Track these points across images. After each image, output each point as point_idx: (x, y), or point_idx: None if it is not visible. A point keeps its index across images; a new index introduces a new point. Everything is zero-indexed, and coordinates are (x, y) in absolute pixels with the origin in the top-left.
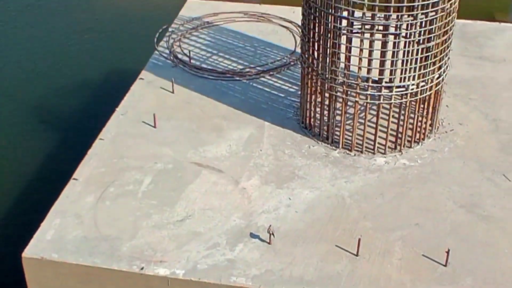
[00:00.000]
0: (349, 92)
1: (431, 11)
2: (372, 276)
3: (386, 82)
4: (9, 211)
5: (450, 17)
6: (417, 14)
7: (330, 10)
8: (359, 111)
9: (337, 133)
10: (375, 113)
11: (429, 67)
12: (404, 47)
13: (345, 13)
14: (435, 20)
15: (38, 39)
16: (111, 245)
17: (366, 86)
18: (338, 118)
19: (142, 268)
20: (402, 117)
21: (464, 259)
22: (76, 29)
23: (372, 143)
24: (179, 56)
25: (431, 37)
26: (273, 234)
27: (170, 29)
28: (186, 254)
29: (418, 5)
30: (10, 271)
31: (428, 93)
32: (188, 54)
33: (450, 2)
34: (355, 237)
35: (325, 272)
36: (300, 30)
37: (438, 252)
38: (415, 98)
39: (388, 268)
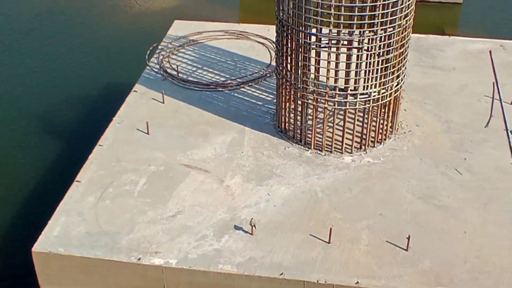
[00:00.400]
0: (319, 100)
1: (389, 27)
2: (343, 261)
3: (351, 90)
4: (19, 211)
5: (406, 32)
6: (377, 30)
7: (300, 28)
8: (328, 116)
9: (309, 135)
10: (342, 117)
11: (389, 76)
12: (367, 59)
13: (313, 30)
14: (393, 35)
15: (42, 57)
16: (111, 239)
17: (334, 94)
18: (309, 122)
19: (139, 259)
20: (366, 121)
21: (423, 244)
22: (75, 47)
23: (340, 144)
24: (168, 70)
25: (389, 50)
26: (254, 226)
27: (159, 47)
28: (178, 245)
29: (378, 22)
30: (22, 264)
31: (388, 99)
32: (176, 69)
33: (406, 19)
34: (327, 227)
35: (301, 259)
36: (274, 46)
37: (400, 238)
38: (377, 103)
39: (357, 253)
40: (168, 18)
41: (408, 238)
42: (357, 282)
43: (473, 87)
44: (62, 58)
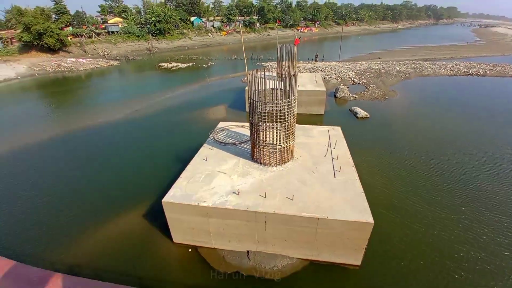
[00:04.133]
0: (264, 147)
1: (286, 122)
2: (271, 204)
3: (276, 144)
4: (158, 186)
5: (293, 124)
6: (283, 124)
7: (257, 123)
8: (268, 153)
9: (263, 160)
10: (274, 154)
11: (289, 139)
12: (280, 133)
13: (261, 124)
14: (288, 125)
15: (139, 144)
16: (190, 197)
17: (269, 145)
18: (262, 155)
19: (198, 204)
20: (281, 155)
21: (301, 197)
22: (166, 131)
23: (273, 162)
24: (216, 138)
25: (288, 129)
26: (239, 192)
27: (212, 131)
28: (212, 198)
29: (281, 119)
30: (160, 212)
31: (289, 146)
32: (217, 138)
33: (292, 119)
34: (265, 192)
35: (255, 203)
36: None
37: (290, 195)
38: (285, 148)
39: (276, 201)
40: (219, 121)
41: (293, 196)
42: (274, 211)
43: (322, 143)
44: (152, 139)
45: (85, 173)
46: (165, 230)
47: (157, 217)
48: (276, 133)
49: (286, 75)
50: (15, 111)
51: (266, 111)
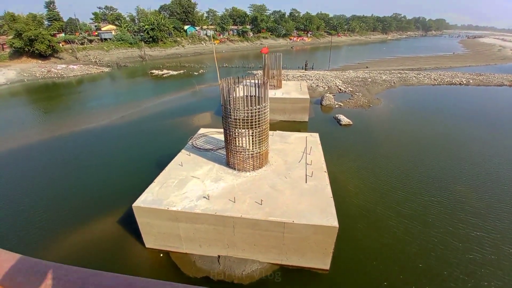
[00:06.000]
0: (239, 153)
1: (259, 129)
2: (240, 208)
3: (249, 149)
4: (130, 190)
5: (266, 130)
6: (257, 130)
7: (232, 129)
8: (242, 159)
9: (237, 166)
10: (247, 160)
11: (263, 144)
12: (254, 139)
13: (237, 130)
14: (262, 131)
15: (143, 140)
16: (160, 202)
17: (244, 151)
18: (236, 161)
19: (167, 208)
20: (255, 160)
21: (270, 201)
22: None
23: (247, 168)
24: (194, 144)
25: (261, 135)
26: (208, 196)
27: (191, 137)
28: (182, 203)
29: (253, 125)
30: (134, 217)
31: (263, 152)
32: (196, 144)
33: (265, 125)
34: (235, 197)
35: (224, 208)
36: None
37: (259, 199)
38: (259, 154)
39: (245, 205)
40: (201, 127)
41: (262, 201)
42: (241, 216)
43: (299, 150)
44: (140, 141)
45: (62, 178)
46: (138, 235)
47: (131, 222)
48: (249, 139)
49: (258, 83)
50: (1, 115)
51: (238, 117)
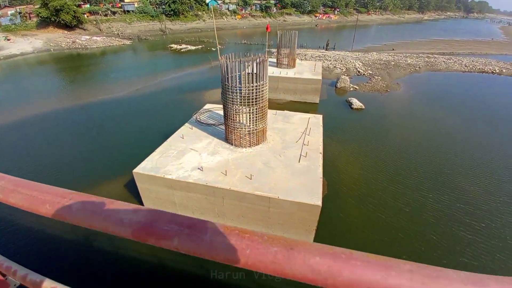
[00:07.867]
0: (238, 129)
1: (259, 106)
2: (231, 181)
3: (248, 126)
4: (131, 158)
5: (265, 107)
6: (252, 105)
7: (231, 105)
8: (240, 135)
9: (234, 141)
10: (244, 136)
11: (260, 121)
12: (253, 116)
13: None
14: (261, 108)
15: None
16: (158, 170)
17: (243, 127)
18: (234, 137)
19: (164, 176)
20: (253, 137)
21: (260, 177)
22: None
23: (244, 144)
24: (198, 118)
25: (259, 112)
26: (202, 168)
27: (196, 112)
28: (178, 172)
29: (252, 102)
30: (132, 182)
31: (261, 128)
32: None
33: (264, 102)
34: (229, 170)
35: (216, 179)
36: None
37: (251, 173)
38: (257, 131)
39: (235, 178)
40: (209, 102)
41: (251, 176)
42: (230, 188)
43: (299, 130)
44: (142, 116)
45: (74, 145)
46: (140, 198)
47: (135, 186)
48: (247, 115)
49: (258, 60)
50: (25, 84)
51: (237, 94)
